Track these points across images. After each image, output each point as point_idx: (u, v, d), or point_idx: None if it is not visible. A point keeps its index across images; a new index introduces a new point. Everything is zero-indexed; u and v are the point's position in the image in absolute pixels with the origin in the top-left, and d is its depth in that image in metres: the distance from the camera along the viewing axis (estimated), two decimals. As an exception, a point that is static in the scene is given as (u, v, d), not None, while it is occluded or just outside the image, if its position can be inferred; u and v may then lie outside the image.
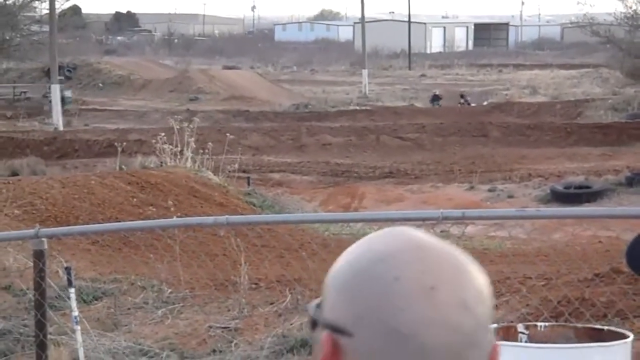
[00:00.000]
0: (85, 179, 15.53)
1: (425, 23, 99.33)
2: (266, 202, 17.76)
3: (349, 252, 1.45)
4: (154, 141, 19.26)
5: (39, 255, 6.55)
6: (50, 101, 43.89)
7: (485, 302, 1.41)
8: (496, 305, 9.22)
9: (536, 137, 32.30)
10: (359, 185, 25.58)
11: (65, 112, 39.05)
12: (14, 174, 23.16)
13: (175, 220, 9.44)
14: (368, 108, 44.54)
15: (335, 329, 1.40)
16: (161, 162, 19.18)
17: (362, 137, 33.05)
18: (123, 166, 19.72)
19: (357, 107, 45.12)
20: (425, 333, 1.36)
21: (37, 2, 57.82)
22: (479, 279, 1.42)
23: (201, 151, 18.60)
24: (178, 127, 18.44)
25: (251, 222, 8.23)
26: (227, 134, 21.11)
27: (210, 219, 7.08)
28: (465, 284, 1.40)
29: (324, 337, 1.41)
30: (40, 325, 6.88)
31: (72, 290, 7.78)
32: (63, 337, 9.38)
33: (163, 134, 18.46)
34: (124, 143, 23.19)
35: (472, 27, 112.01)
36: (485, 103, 46.02)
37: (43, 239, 6.55)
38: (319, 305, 1.46)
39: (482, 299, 1.41)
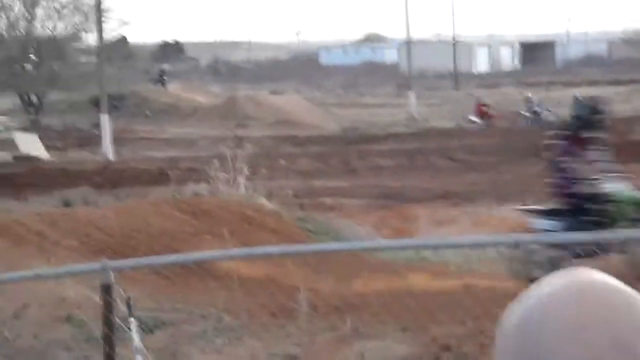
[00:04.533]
0: (140, 208, 15.54)
1: (470, 43, 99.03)
2: (321, 227, 17.68)
3: (521, 294, 1.42)
4: (206, 169, 19.28)
5: (106, 289, 6.50)
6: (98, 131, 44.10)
7: None
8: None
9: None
10: (412, 207, 25.40)
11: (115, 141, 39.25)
12: (67, 204, 23.30)
13: (242, 250, 9.35)
14: (416, 131, 44.35)
15: None
16: (212, 192, 19.17)
17: (412, 159, 32.89)
18: (176, 194, 19.74)
19: (406, 130, 44.97)
20: None
21: (84, 33, 58.55)
22: None
23: (252, 177, 18.59)
24: (231, 154, 18.44)
25: (320, 250, 8.04)
26: (280, 160, 21.10)
27: (276, 249, 6.97)
28: (624, 322, 1.32)
29: None
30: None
31: (133, 320, 7.72)
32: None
33: (216, 160, 18.47)
34: (176, 171, 23.22)
35: (518, 45, 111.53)
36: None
37: (110, 272, 6.51)
38: None
39: None
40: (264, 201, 17.66)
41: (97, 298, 9.47)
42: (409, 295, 10.88)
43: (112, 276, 6.57)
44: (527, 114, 43.61)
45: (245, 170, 18.19)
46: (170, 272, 13.35)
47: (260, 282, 12.49)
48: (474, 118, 44.46)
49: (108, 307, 6.57)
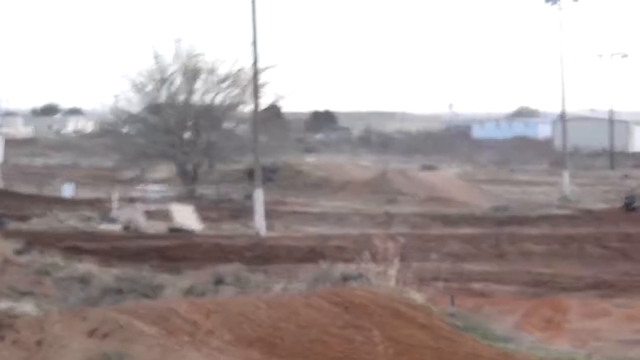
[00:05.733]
0: (291, 299, 15.75)
1: (627, 121, 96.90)
2: (470, 322, 17.51)
3: None
4: (356, 256, 19.37)
5: None
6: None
7: None
8: None
9: None
10: (562, 297, 24.97)
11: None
12: (219, 280, 23.79)
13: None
14: (569, 212, 43.74)
15: None
16: (361, 274, 19.24)
17: (564, 245, 32.39)
18: (324, 279, 19.85)
19: (558, 212, 44.39)
20: None
21: (240, 105, 59.86)
22: None
23: (403, 263, 18.59)
24: (381, 243, 18.50)
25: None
26: (430, 244, 21.08)
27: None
28: None
29: None
30: None
31: None
32: None
33: (367, 252, 18.55)
34: (326, 249, 23.39)
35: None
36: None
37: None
38: None
39: None
40: (414, 294, 17.63)
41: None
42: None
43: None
44: None
45: (396, 262, 18.22)
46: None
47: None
48: None
49: None
